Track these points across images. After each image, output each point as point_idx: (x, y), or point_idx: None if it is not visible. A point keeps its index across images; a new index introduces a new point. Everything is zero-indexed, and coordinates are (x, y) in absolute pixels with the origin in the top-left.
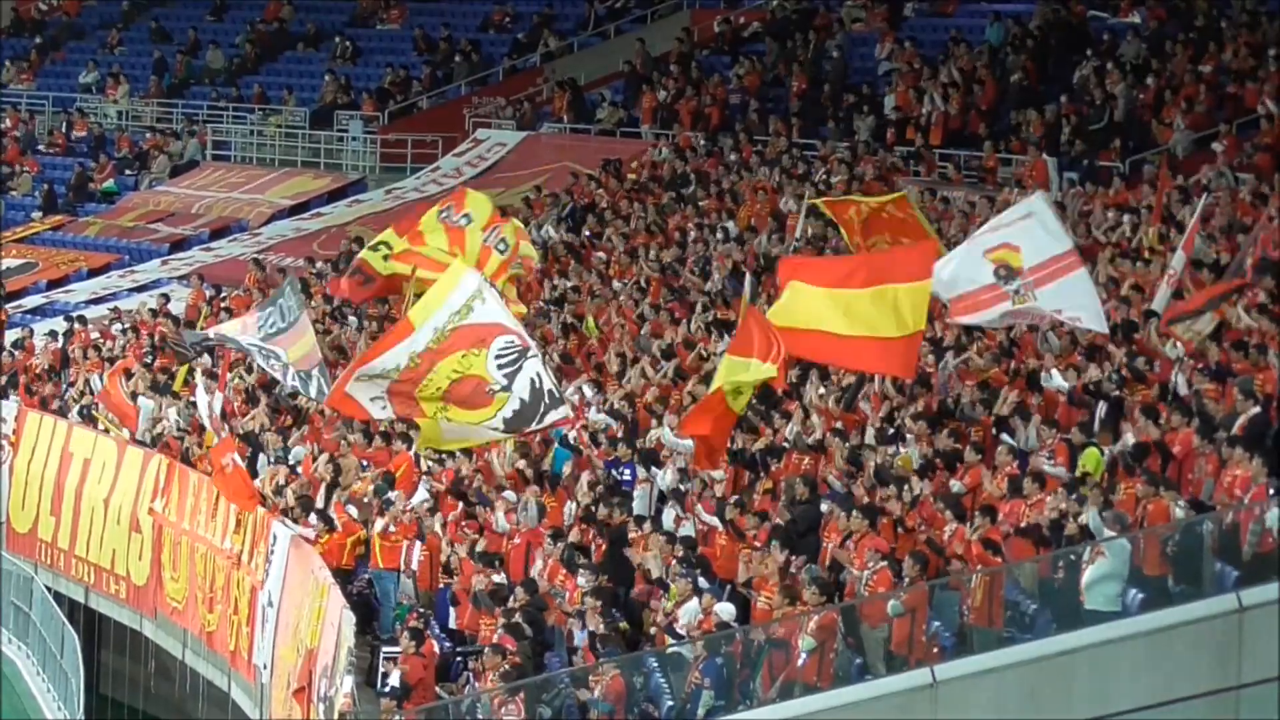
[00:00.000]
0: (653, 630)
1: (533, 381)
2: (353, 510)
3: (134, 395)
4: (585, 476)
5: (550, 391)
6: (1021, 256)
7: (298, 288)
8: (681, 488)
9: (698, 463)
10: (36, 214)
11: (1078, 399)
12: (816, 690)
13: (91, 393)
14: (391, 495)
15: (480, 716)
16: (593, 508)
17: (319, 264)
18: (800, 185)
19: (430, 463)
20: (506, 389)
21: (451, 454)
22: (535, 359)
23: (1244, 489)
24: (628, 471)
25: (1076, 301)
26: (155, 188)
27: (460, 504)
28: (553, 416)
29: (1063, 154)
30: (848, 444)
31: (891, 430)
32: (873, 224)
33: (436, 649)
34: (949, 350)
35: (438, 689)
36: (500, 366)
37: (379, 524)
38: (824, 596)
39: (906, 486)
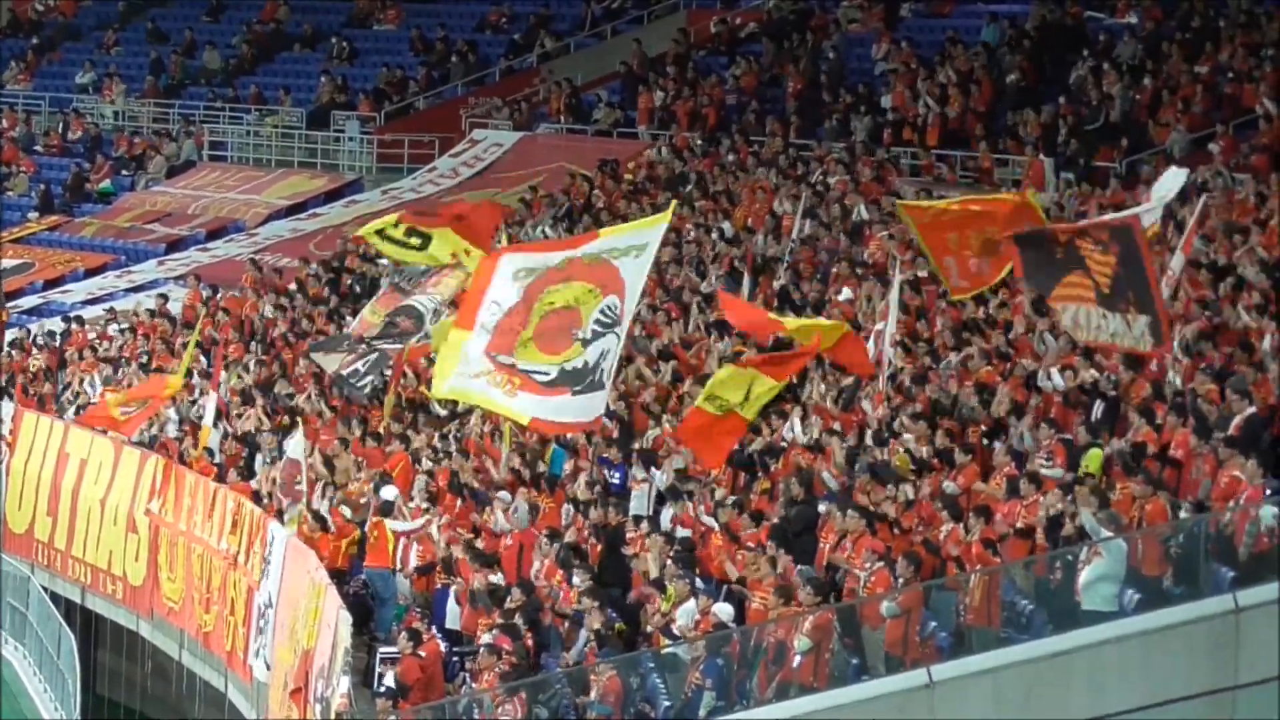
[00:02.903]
0: (649, 630)
1: (603, 354)
2: (346, 511)
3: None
4: (584, 477)
5: (604, 372)
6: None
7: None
8: (679, 488)
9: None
10: (33, 214)
11: (1074, 400)
12: (813, 691)
13: (88, 393)
14: (388, 494)
15: (477, 716)
16: (590, 508)
17: (314, 265)
18: (797, 186)
19: (430, 461)
20: (586, 342)
21: (449, 454)
22: (619, 339)
23: (1241, 489)
24: (617, 474)
25: None
26: (152, 188)
27: (458, 503)
28: (588, 399)
29: (1059, 154)
30: (845, 444)
31: (888, 432)
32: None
33: (442, 648)
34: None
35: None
36: (598, 320)
37: (393, 525)
38: (819, 597)
39: (903, 487)
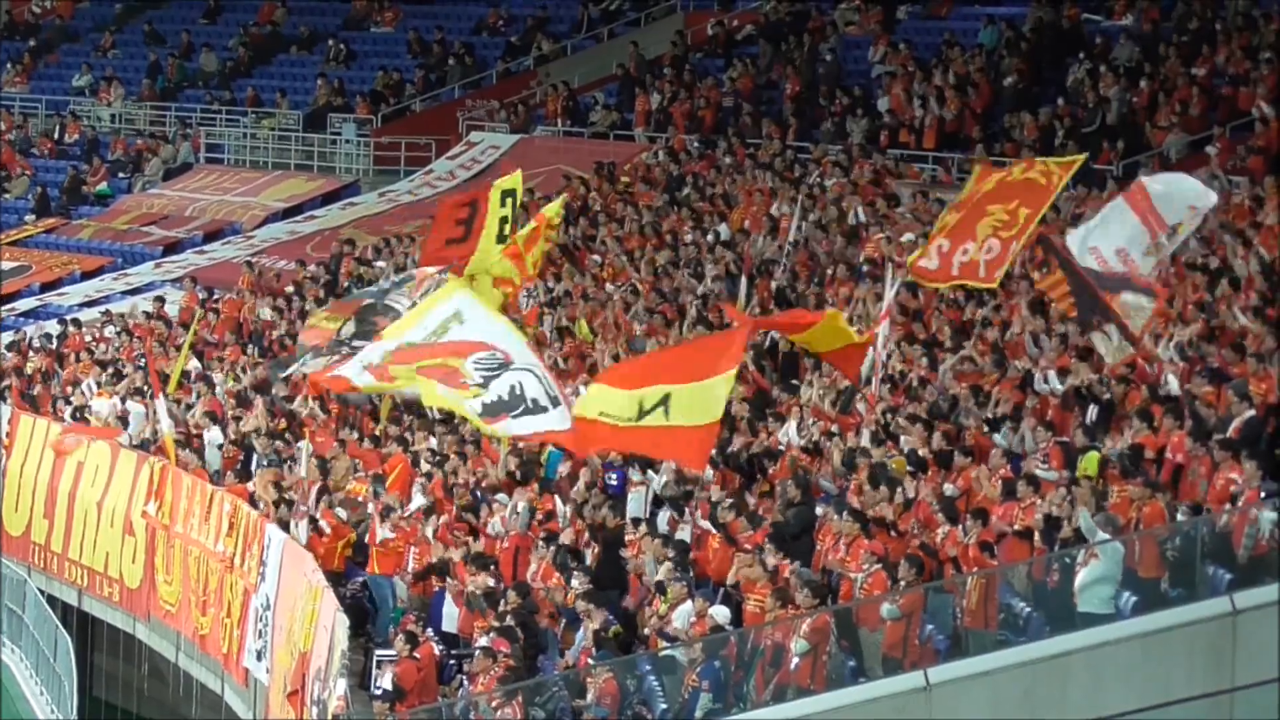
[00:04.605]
0: (646, 632)
1: (513, 388)
2: (341, 513)
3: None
4: (582, 478)
5: (535, 400)
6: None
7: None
8: (677, 490)
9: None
10: (30, 217)
11: (1070, 402)
12: (810, 693)
13: (84, 395)
14: (390, 500)
15: (474, 719)
16: (587, 510)
17: (312, 266)
18: (794, 188)
19: (428, 464)
20: (482, 386)
21: (446, 457)
22: (522, 371)
23: (1239, 492)
24: (615, 476)
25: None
26: (149, 190)
27: (455, 506)
28: (535, 424)
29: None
30: (844, 445)
31: (885, 433)
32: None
33: (436, 651)
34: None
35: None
36: (477, 369)
37: (380, 534)
38: (817, 599)
39: (900, 489)
